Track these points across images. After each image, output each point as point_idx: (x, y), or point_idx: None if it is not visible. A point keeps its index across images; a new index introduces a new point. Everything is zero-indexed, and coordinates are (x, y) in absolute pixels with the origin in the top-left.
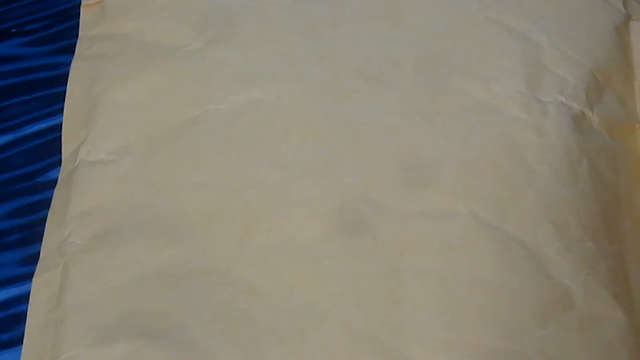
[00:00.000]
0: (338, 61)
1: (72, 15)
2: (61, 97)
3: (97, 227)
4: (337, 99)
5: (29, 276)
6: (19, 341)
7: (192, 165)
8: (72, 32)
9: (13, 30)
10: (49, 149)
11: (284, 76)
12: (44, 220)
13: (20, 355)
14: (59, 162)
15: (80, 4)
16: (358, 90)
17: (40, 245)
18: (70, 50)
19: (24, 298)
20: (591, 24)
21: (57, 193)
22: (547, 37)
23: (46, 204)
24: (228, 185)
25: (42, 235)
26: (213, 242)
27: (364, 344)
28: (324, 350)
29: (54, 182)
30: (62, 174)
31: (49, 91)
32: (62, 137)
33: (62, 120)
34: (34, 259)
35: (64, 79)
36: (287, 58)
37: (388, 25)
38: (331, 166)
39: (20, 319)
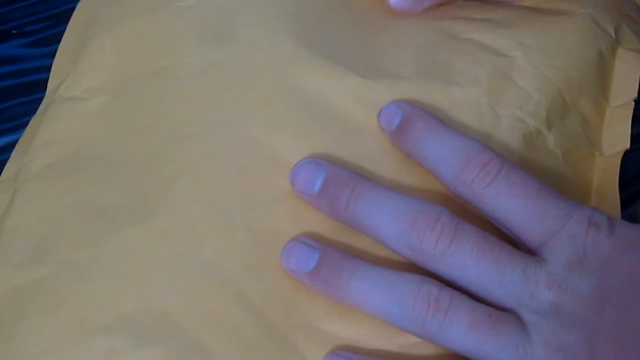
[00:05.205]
0: (315, 42)
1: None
2: None
3: (52, 157)
4: (299, 74)
5: None
6: None
7: (149, 111)
8: None
9: (13, 32)
10: None
11: (258, 42)
12: None
13: None
14: None
15: None
16: (324, 69)
17: None
18: None
19: None
20: (573, 44)
21: (31, 124)
22: (524, 54)
23: None
24: (175, 132)
25: None
26: (144, 182)
27: (253, 316)
28: (213, 315)
29: None
30: (41, 107)
31: None
32: (51, 72)
33: None
34: None
35: None
36: (269, 28)
37: (374, 29)
38: (273, 138)
39: None
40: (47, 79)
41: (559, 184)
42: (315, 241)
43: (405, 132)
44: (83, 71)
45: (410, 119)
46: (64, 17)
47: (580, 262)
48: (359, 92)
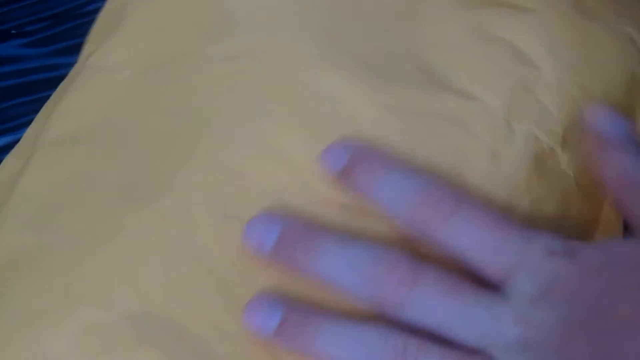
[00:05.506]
0: (337, 40)
1: (72, 16)
2: None
3: (71, 125)
4: (316, 71)
5: None
6: None
7: (170, 93)
8: (73, 34)
9: (13, 32)
10: None
11: (281, 35)
12: None
13: None
14: None
15: (80, 5)
16: (341, 69)
17: None
18: (71, 51)
19: None
20: (605, 62)
21: (59, 89)
22: (553, 67)
23: None
24: (190, 116)
25: None
26: (153, 163)
27: (236, 309)
28: (197, 302)
29: None
30: (72, 72)
31: (49, 92)
32: (86, 40)
33: None
34: None
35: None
36: (294, 23)
37: (403, 27)
38: (280, 133)
39: None
40: (47, 79)
41: (567, 206)
42: (277, 297)
43: (351, 174)
44: (117, 42)
45: (356, 161)
46: (64, 17)
47: (543, 295)
48: (373, 95)
